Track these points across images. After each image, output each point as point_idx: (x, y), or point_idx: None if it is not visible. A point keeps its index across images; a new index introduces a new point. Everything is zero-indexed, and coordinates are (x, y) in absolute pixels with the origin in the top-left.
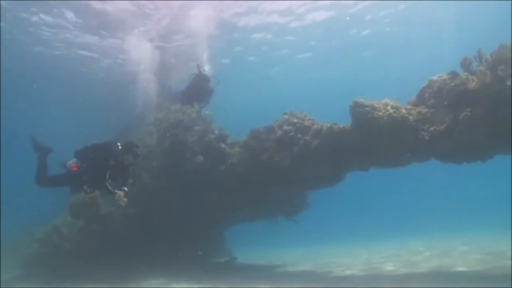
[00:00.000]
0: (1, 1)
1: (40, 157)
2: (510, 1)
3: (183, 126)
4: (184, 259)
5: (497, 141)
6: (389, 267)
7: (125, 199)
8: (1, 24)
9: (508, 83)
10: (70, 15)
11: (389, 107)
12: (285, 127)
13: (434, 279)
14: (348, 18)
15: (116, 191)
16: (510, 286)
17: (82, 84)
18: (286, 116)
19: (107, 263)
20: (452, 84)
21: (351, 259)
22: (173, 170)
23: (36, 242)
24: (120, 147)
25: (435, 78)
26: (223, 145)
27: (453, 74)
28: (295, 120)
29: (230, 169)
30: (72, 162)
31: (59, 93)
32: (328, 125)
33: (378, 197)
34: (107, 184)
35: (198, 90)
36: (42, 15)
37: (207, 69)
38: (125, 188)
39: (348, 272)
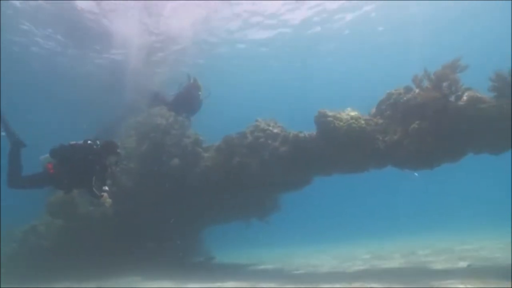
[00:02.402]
0: None
1: (11, 152)
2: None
3: (161, 130)
4: (163, 258)
5: (443, 151)
6: (355, 266)
7: (110, 200)
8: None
9: (451, 98)
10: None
11: (349, 117)
12: (256, 134)
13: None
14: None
15: (101, 194)
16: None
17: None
18: (257, 123)
19: (85, 262)
20: (405, 98)
21: (321, 258)
22: (150, 172)
23: (14, 241)
24: (99, 146)
25: (392, 91)
26: (198, 149)
27: (407, 89)
28: (266, 127)
29: (204, 172)
30: (48, 162)
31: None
32: (294, 133)
33: (356, 199)
34: (94, 189)
35: (189, 97)
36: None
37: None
38: (106, 188)
39: (317, 270)
